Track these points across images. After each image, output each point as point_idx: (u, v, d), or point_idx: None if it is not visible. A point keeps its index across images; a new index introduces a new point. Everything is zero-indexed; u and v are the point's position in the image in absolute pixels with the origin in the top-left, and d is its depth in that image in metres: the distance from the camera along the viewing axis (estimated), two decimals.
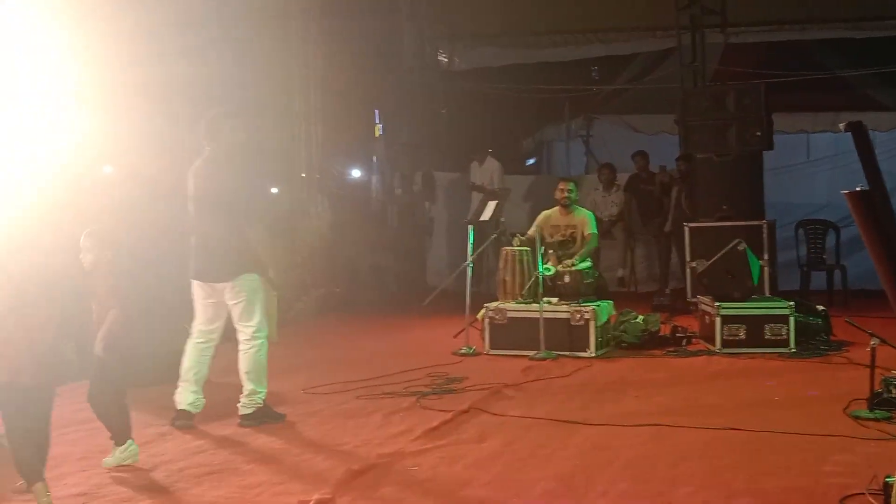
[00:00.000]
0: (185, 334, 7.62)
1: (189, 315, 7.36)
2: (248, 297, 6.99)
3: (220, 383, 7.60)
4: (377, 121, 16.25)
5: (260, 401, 7.11)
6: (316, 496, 5.24)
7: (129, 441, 6.01)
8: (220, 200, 6.94)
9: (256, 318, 7.03)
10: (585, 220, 10.53)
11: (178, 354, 8.57)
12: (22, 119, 7.91)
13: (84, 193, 9.02)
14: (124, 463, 5.97)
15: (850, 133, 3.59)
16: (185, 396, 7.07)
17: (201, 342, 7.14)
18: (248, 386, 7.10)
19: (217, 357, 7.32)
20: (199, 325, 7.17)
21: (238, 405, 7.11)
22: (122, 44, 9.84)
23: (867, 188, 3.51)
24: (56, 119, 8.56)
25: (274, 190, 14.62)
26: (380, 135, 16.40)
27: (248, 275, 6.99)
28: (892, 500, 4.12)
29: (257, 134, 12.97)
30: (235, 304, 7.01)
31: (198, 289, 7.12)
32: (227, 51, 11.99)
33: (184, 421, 7.01)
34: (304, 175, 14.62)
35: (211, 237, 6.97)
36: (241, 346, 7.08)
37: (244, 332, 7.05)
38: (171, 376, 8.24)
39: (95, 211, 9.04)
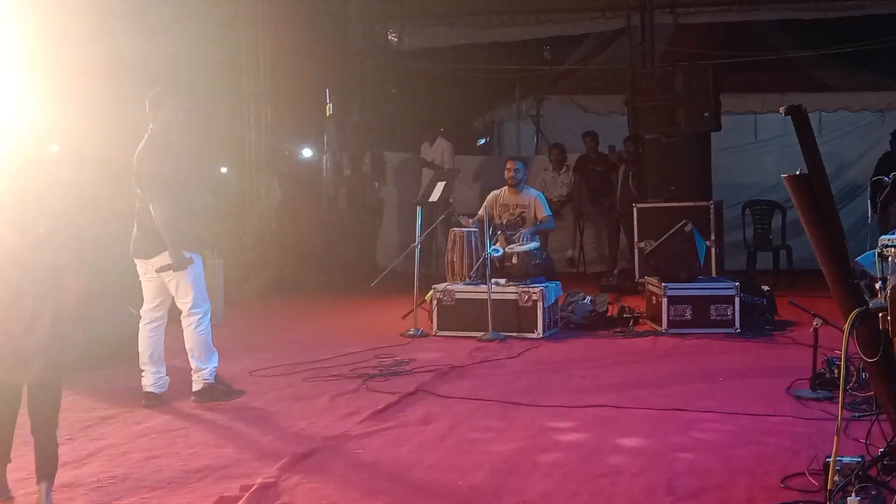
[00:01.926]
0: (133, 317, 7.54)
1: (137, 298, 7.33)
2: (183, 273, 6.98)
3: (166, 364, 7.50)
4: (327, 100, 16.13)
5: (208, 377, 7.12)
6: (259, 480, 5.20)
7: None
8: (154, 178, 6.91)
9: (192, 295, 7.02)
10: (537, 202, 10.53)
11: (125, 337, 8.51)
12: None
13: (33, 175, 8.90)
14: None
15: (789, 115, 3.61)
16: (148, 379, 7.12)
17: (148, 323, 7.16)
18: (192, 363, 7.15)
19: (168, 338, 7.26)
20: (144, 306, 7.20)
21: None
22: (71, 20, 9.70)
23: (807, 172, 3.53)
24: (3, 98, 8.42)
25: (223, 170, 14.52)
26: (330, 114, 16.29)
27: (165, 253, 6.99)
28: (830, 480, 4.15)
29: (205, 113, 12.90)
30: (170, 280, 7.03)
31: (138, 266, 7.17)
32: (176, 29, 11.84)
33: (152, 401, 7.07)
34: (253, 155, 14.53)
35: (145, 214, 6.97)
36: (182, 323, 7.12)
37: (181, 308, 7.09)
38: (117, 359, 8.20)
39: (43, 192, 8.92)
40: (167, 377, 7.21)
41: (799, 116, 3.43)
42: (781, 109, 3.55)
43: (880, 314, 3.34)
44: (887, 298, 3.33)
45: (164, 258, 6.96)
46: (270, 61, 14.48)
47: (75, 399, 7.18)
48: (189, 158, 7.32)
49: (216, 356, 7.22)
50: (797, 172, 3.52)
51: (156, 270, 7.01)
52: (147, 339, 7.14)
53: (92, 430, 6.42)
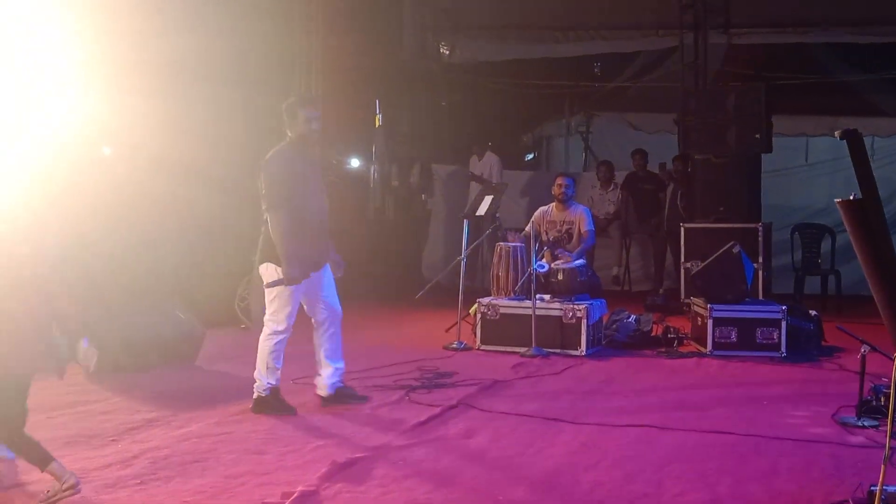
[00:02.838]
0: (177, 319, 7.61)
1: (184, 299, 7.40)
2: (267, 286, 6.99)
3: (209, 371, 7.57)
4: (377, 110, 16.20)
5: (262, 391, 7.11)
6: (301, 487, 5.22)
7: None
8: (272, 189, 6.86)
9: (271, 308, 7.00)
10: (582, 217, 10.52)
11: (169, 340, 8.59)
12: (23, 97, 7.90)
13: (83, 173, 9.02)
14: None
15: (844, 139, 3.58)
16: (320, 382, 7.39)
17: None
18: (255, 373, 7.16)
19: (209, 343, 7.32)
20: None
21: None
22: (128, 19, 9.81)
23: (860, 197, 3.50)
24: (58, 97, 8.56)
25: None
26: (380, 125, 16.35)
27: (268, 264, 6.97)
28: None
29: (254, 119, 13.00)
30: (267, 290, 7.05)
31: None
32: (229, 32, 11.93)
33: (325, 402, 7.36)
34: None
35: (265, 222, 7.00)
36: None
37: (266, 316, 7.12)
38: (163, 362, 8.26)
39: (95, 191, 9.06)
40: (335, 380, 7.34)
41: (854, 141, 3.41)
42: (837, 133, 3.52)
43: None
44: None
45: (265, 269, 6.96)
46: (321, 70, 14.56)
47: (121, 401, 7.27)
48: (315, 171, 7.19)
49: (276, 375, 7.12)
50: (850, 197, 3.49)
51: (264, 285, 6.99)
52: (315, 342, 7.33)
53: (136, 432, 6.47)
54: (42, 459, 4.98)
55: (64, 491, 4.90)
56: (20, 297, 4.91)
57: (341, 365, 7.39)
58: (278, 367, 7.11)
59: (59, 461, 5.01)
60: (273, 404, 7.11)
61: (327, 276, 7.22)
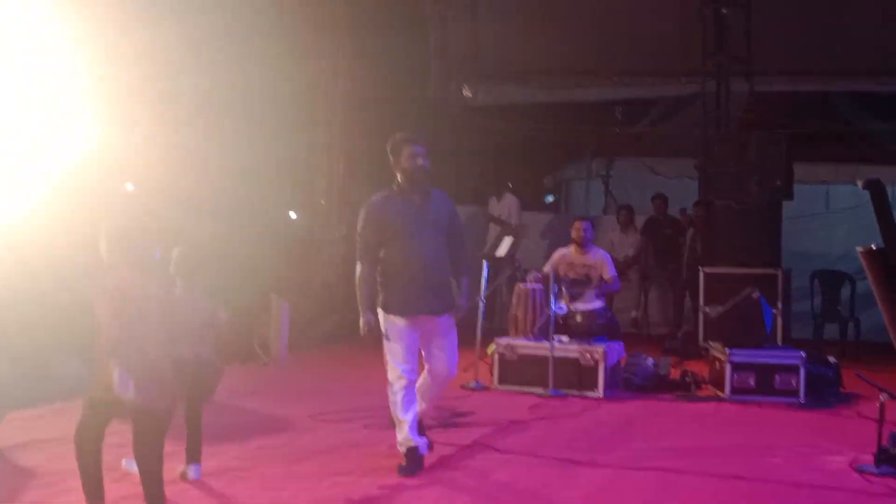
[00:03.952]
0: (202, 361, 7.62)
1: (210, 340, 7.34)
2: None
3: (228, 406, 7.60)
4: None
5: (399, 447, 6.73)
6: None
7: None
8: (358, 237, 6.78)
9: (386, 360, 6.72)
10: (604, 262, 10.49)
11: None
12: (33, 124, 7.96)
13: (99, 202, 9.08)
14: None
15: (867, 189, 3.61)
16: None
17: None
18: None
19: (227, 379, 7.31)
20: None
21: None
22: (158, 51, 9.92)
23: (882, 246, 3.52)
24: (67, 126, 8.63)
25: (292, 215, 14.68)
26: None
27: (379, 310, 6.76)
28: None
29: (279, 157, 13.11)
30: None
31: None
32: (250, 66, 12.05)
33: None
34: (323, 202, 14.69)
35: None
36: None
37: None
38: (181, 396, 8.27)
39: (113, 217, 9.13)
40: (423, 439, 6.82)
41: (877, 190, 3.44)
42: (860, 183, 3.55)
43: None
44: None
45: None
46: (344, 109, 14.69)
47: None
48: (419, 214, 6.71)
49: (403, 429, 6.68)
50: (872, 246, 3.51)
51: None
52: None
53: None
54: None
55: None
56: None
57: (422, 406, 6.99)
58: (403, 420, 6.64)
59: None
60: (402, 464, 6.64)
61: (443, 325, 6.75)
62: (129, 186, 10.51)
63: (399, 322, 6.61)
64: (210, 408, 7.23)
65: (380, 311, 6.68)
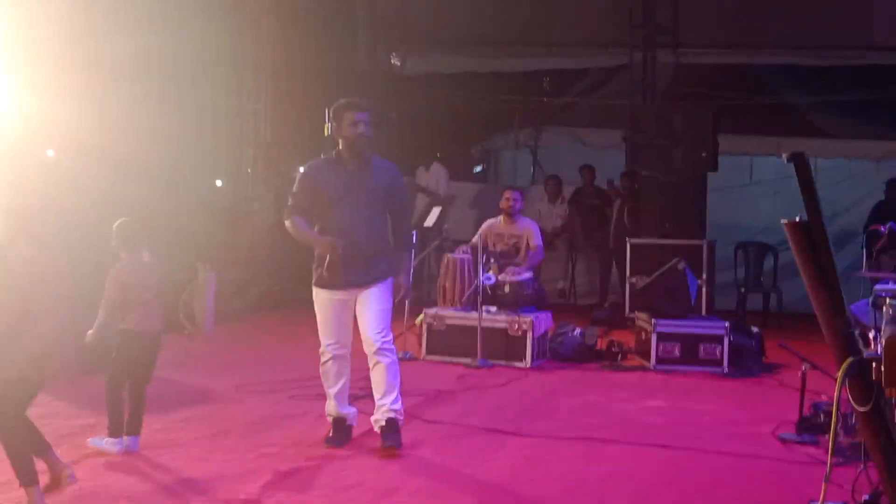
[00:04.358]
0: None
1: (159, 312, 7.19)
2: None
3: (160, 377, 7.47)
4: (327, 119, 16.15)
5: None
6: (242, 496, 5.20)
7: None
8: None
9: None
10: (531, 231, 10.53)
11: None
12: None
13: (28, 177, 8.89)
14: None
15: (791, 161, 3.63)
16: None
17: None
18: None
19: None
20: None
21: None
22: (75, 16, 9.71)
23: (805, 218, 3.55)
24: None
25: (218, 183, 14.51)
26: (328, 134, 16.28)
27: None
28: None
29: (203, 123, 12.93)
30: None
31: None
32: (178, 31, 11.83)
33: None
34: (249, 170, 14.55)
35: None
36: None
37: None
38: (99, 367, 8.15)
39: (42, 194, 8.94)
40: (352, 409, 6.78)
41: (801, 163, 3.46)
42: (784, 155, 3.57)
43: (874, 364, 3.36)
44: (882, 349, 3.35)
45: None
46: (272, 77, 14.53)
47: (61, 406, 7.17)
48: (356, 184, 6.47)
49: (331, 403, 6.64)
50: (797, 219, 3.54)
51: None
52: None
53: (75, 438, 6.39)
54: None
55: None
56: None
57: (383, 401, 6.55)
58: (330, 392, 6.59)
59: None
60: (330, 435, 6.62)
61: (371, 294, 6.45)
62: (50, 153, 10.28)
63: (324, 294, 6.49)
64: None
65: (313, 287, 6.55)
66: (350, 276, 6.41)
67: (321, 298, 6.51)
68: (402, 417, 6.49)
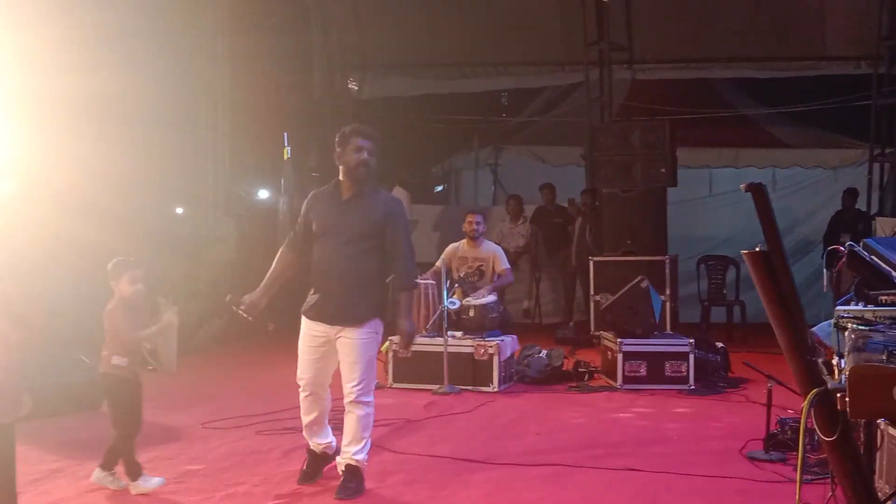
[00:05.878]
0: (84, 364, 7.38)
1: (88, 344, 7.15)
2: None
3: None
4: (286, 143, 16.10)
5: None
6: None
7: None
8: None
9: None
10: (496, 256, 10.52)
11: (74, 386, 8.39)
12: None
13: None
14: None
15: (749, 192, 3.63)
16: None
17: None
18: None
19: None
20: None
21: None
22: (33, 54, 9.67)
23: (765, 248, 3.56)
24: None
25: (178, 210, 14.40)
26: (288, 157, 16.23)
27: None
28: None
29: (162, 151, 12.83)
30: None
31: None
32: (133, 64, 11.75)
33: None
34: (210, 197, 14.46)
35: None
36: None
37: None
38: (68, 408, 8.06)
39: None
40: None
41: (759, 193, 3.47)
42: (742, 186, 3.58)
43: (838, 395, 3.36)
44: (846, 380, 3.35)
45: None
46: (230, 102, 14.45)
47: (24, 450, 7.01)
48: (349, 217, 6.29)
49: (308, 438, 6.63)
50: (756, 248, 3.55)
51: None
52: None
53: (40, 483, 6.30)
54: None
55: None
56: None
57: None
58: (304, 422, 6.57)
59: None
60: (303, 467, 6.57)
61: (348, 341, 6.22)
62: (7, 183, 10.18)
63: (304, 326, 6.42)
64: (97, 419, 7.06)
65: None
66: (325, 311, 6.28)
67: (302, 328, 6.46)
68: (364, 466, 6.29)
